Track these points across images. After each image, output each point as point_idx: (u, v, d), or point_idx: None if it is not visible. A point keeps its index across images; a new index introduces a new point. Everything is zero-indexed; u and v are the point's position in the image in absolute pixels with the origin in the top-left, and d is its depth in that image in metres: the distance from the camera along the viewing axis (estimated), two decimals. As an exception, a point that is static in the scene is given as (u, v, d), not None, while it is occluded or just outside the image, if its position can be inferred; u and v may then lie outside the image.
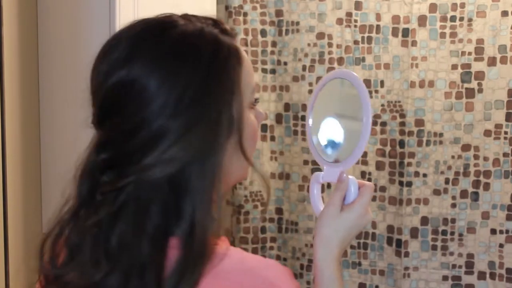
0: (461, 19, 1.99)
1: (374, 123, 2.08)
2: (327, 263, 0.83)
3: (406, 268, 2.08)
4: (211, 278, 0.67)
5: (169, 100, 0.68)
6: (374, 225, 2.11)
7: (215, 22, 0.75)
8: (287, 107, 2.13)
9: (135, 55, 0.70)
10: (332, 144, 0.96)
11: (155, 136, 0.68)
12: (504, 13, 1.96)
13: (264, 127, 2.14)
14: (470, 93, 2.01)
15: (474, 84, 2.00)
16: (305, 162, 2.11)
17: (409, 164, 2.05)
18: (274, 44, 2.12)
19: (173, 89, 0.69)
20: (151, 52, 0.70)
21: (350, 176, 0.91)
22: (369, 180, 2.10)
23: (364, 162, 2.10)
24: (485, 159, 2.01)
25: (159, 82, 0.69)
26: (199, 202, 0.68)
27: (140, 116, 0.68)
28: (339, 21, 2.08)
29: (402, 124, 2.05)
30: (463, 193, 2.04)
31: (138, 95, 0.68)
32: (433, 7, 2.00)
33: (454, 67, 2.01)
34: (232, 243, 0.90)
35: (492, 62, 1.98)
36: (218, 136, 0.70)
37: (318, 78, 2.10)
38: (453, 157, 2.03)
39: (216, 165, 0.69)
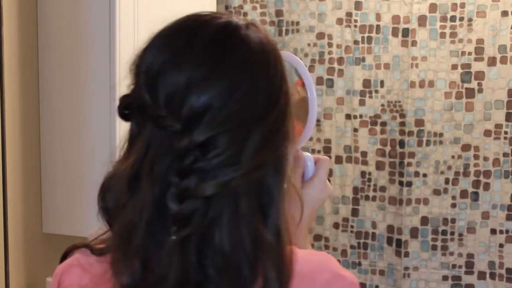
0: (461, 19, 1.99)
1: (374, 123, 2.08)
2: (296, 240, 0.84)
3: (406, 268, 2.08)
4: (297, 282, 0.68)
5: (254, 109, 0.67)
6: (374, 225, 2.11)
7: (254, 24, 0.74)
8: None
9: (220, 72, 0.67)
10: None
11: (241, 145, 0.66)
12: (504, 13, 1.96)
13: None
14: (470, 93, 2.01)
15: (474, 84, 2.00)
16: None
17: (409, 164, 2.05)
18: (274, 44, 2.12)
19: (259, 99, 0.68)
20: (236, 67, 0.67)
21: (305, 153, 0.92)
22: (369, 180, 2.10)
23: (364, 162, 2.10)
24: (485, 159, 2.01)
25: (245, 94, 0.67)
26: (281, 209, 0.69)
27: (226, 127, 0.66)
28: (339, 21, 2.08)
29: (402, 124, 2.05)
30: (463, 193, 2.04)
31: (222, 106, 0.66)
32: (433, 7, 2.00)
33: (454, 67, 2.01)
34: None
35: (492, 62, 1.98)
36: (289, 143, 0.71)
37: (318, 78, 2.10)
38: (453, 157, 2.03)
39: (287, 172, 0.71)
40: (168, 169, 0.65)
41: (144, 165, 0.67)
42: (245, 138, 0.66)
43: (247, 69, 0.68)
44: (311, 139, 2.13)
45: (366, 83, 2.08)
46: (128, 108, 0.70)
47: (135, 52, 0.72)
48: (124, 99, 0.70)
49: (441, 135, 2.04)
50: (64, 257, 0.76)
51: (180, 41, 0.69)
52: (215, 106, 0.65)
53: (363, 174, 2.11)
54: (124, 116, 0.71)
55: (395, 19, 2.04)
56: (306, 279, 0.69)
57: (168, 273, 0.65)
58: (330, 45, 2.09)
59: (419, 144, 2.05)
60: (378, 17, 2.05)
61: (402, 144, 2.06)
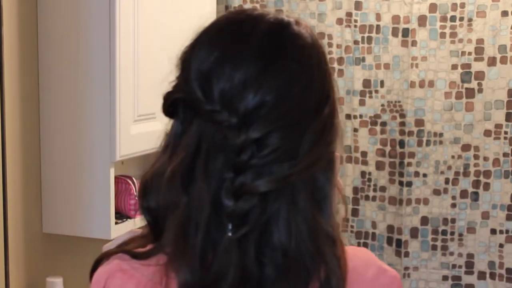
0: (461, 19, 1.99)
1: (374, 123, 2.08)
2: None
3: (406, 268, 2.08)
4: (349, 276, 0.69)
5: (309, 105, 0.68)
6: (374, 225, 2.11)
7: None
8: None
9: (275, 71, 0.67)
10: None
11: (298, 141, 0.67)
12: (504, 13, 1.96)
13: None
14: (470, 93, 2.01)
15: (474, 84, 2.00)
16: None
17: (409, 164, 2.05)
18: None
19: (314, 95, 0.69)
20: (290, 65, 0.68)
21: None
22: (369, 180, 2.10)
23: (364, 162, 2.10)
24: (485, 159, 2.01)
25: (300, 91, 0.68)
26: (333, 204, 0.70)
27: (281, 123, 0.66)
28: (339, 21, 2.08)
29: (402, 124, 2.05)
30: (463, 193, 2.04)
31: (281, 104, 0.66)
32: (433, 7, 2.00)
33: (454, 67, 2.01)
34: None
35: (492, 62, 1.98)
36: (339, 139, 0.72)
37: (318, 78, 2.10)
38: (453, 157, 2.03)
39: (336, 168, 0.72)
40: (224, 165, 0.65)
41: (197, 162, 0.66)
42: (301, 134, 0.67)
43: (301, 65, 0.69)
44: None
45: (366, 83, 2.08)
46: (174, 104, 0.69)
47: (182, 48, 0.71)
48: (170, 95, 0.69)
49: (441, 135, 2.04)
50: (96, 265, 0.73)
51: (234, 37, 0.68)
52: (271, 102, 0.66)
53: (363, 174, 2.11)
54: (169, 113, 0.70)
55: (395, 19, 2.04)
56: (356, 274, 0.70)
57: (226, 271, 0.64)
58: (330, 45, 2.09)
59: (419, 144, 2.05)
60: (378, 17, 2.05)
61: (402, 144, 2.06)
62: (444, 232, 2.06)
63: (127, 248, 0.71)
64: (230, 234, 0.64)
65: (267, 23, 0.69)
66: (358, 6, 2.06)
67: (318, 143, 0.67)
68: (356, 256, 0.73)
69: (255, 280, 0.65)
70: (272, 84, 0.66)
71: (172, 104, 0.69)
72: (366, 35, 2.06)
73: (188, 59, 0.69)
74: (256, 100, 0.65)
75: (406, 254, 2.07)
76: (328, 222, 0.69)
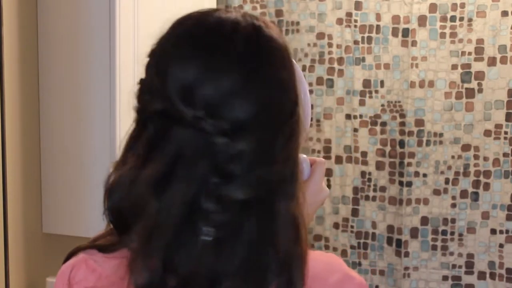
0: (461, 19, 1.99)
1: (374, 123, 2.08)
2: None
3: (406, 268, 2.08)
4: (310, 282, 0.69)
5: (287, 109, 0.70)
6: (374, 225, 2.11)
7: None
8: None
9: (255, 81, 0.68)
10: None
11: (272, 145, 0.69)
12: (504, 13, 1.96)
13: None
14: (470, 93, 2.01)
15: (474, 84, 2.00)
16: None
17: (409, 164, 2.05)
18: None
19: (288, 97, 0.70)
20: (269, 74, 0.69)
21: (301, 155, 0.91)
22: (369, 180, 2.10)
23: (364, 162, 2.10)
24: (485, 159, 2.01)
25: (277, 95, 0.69)
26: (302, 210, 0.71)
27: (266, 131, 0.68)
28: (339, 21, 2.08)
29: (402, 124, 2.05)
30: (463, 193, 2.04)
31: (255, 108, 0.68)
32: (433, 7, 2.00)
33: (454, 67, 2.01)
34: None
35: (492, 62, 1.98)
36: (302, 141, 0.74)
37: (318, 78, 2.10)
38: (453, 157, 2.03)
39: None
40: (207, 170, 0.65)
41: (177, 167, 0.66)
42: (275, 139, 0.68)
43: (280, 69, 0.70)
44: (311, 139, 2.13)
45: (366, 83, 2.08)
46: (152, 115, 0.69)
47: (154, 53, 0.71)
48: (146, 106, 0.69)
49: (441, 135, 2.04)
50: (68, 258, 0.76)
51: (212, 45, 0.68)
52: (258, 110, 0.67)
53: (363, 174, 2.11)
54: (144, 123, 0.70)
55: (395, 19, 2.04)
56: (318, 279, 0.70)
57: (197, 274, 0.64)
58: (330, 45, 2.09)
59: (419, 144, 2.05)
60: (378, 17, 2.05)
61: (402, 144, 2.06)
62: (444, 232, 2.06)
63: (96, 243, 0.73)
64: (205, 237, 0.65)
65: (242, 29, 0.69)
66: (358, 6, 2.06)
67: (288, 145, 0.69)
68: (321, 261, 0.72)
69: (222, 280, 0.65)
70: (258, 91, 0.67)
71: (148, 116, 0.69)
72: (366, 35, 2.06)
73: (163, 67, 0.69)
74: (245, 109, 0.66)
75: (406, 254, 2.07)
76: (298, 228, 0.69)
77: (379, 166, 2.09)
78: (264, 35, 0.70)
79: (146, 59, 0.73)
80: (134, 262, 0.66)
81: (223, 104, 0.66)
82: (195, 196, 0.65)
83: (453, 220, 2.05)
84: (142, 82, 0.73)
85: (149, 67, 0.72)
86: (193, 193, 0.65)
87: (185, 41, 0.69)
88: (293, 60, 0.77)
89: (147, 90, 0.70)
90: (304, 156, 0.90)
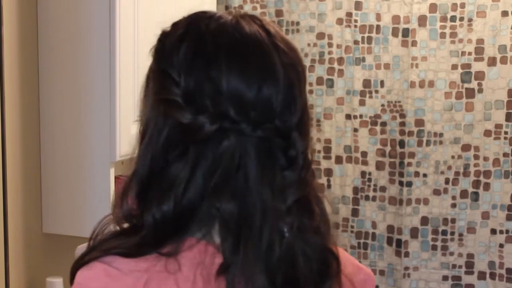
0: (461, 19, 1.99)
1: (374, 123, 2.08)
2: None
3: (406, 268, 2.08)
4: None
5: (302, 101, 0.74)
6: (374, 225, 2.11)
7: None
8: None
9: (274, 79, 0.71)
10: None
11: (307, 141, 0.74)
12: (504, 13, 1.96)
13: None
14: (470, 93, 2.01)
15: (474, 84, 2.00)
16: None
17: (409, 164, 2.05)
18: (274, 44, 2.12)
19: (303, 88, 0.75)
20: (280, 71, 0.71)
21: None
22: (369, 180, 2.10)
23: (364, 162, 2.10)
24: (485, 159, 2.01)
25: (303, 93, 0.74)
26: None
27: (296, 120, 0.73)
28: (339, 21, 2.08)
29: (402, 124, 2.05)
30: (463, 193, 2.04)
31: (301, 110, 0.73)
32: (433, 7, 2.00)
33: (454, 67, 2.01)
34: None
35: (492, 62, 1.98)
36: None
37: (318, 78, 2.10)
38: (453, 157, 2.03)
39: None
40: (274, 174, 0.70)
41: (248, 176, 0.69)
42: (308, 142, 0.75)
43: (294, 73, 0.73)
44: (311, 139, 2.12)
45: (366, 83, 2.08)
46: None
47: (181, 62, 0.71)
48: (199, 119, 0.69)
49: (441, 135, 2.04)
50: (76, 268, 0.72)
51: (256, 60, 0.71)
52: (300, 115, 0.72)
53: (363, 174, 2.11)
54: (201, 139, 0.70)
55: (395, 19, 2.04)
56: None
57: (293, 270, 0.70)
58: (330, 45, 2.09)
59: (419, 144, 2.05)
60: (378, 17, 2.05)
61: (402, 144, 2.06)
62: (444, 232, 2.06)
63: (113, 250, 0.70)
64: (287, 235, 0.69)
65: (279, 40, 0.73)
66: (358, 6, 2.06)
67: (307, 138, 0.75)
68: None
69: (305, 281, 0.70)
70: (300, 93, 0.73)
71: (207, 135, 0.69)
72: (366, 35, 2.06)
73: (218, 82, 0.69)
74: (296, 110, 0.71)
75: (406, 254, 2.07)
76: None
77: (379, 166, 2.09)
78: (293, 46, 0.75)
79: (157, 47, 0.75)
80: (252, 272, 0.68)
81: (279, 110, 0.70)
82: (271, 200, 0.70)
83: (453, 220, 2.05)
84: (172, 82, 0.71)
85: (180, 68, 0.71)
86: (266, 198, 0.69)
87: (228, 54, 0.70)
88: None
89: (190, 101, 0.70)
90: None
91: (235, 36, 0.71)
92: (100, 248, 0.71)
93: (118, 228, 0.74)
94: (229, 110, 0.68)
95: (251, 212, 0.68)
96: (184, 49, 0.71)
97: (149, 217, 0.70)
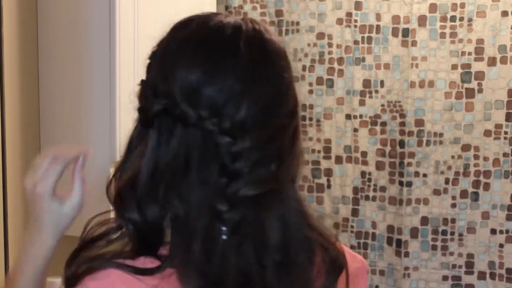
0: (461, 19, 1.99)
1: (374, 123, 2.08)
2: None
3: (406, 268, 2.08)
4: None
5: (287, 108, 0.73)
6: (374, 225, 2.11)
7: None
8: (287, 107, 2.13)
9: (256, 85, 0.70)
10: None
11: (279, 145, 0.71)
12: (504, 13, 1.96)
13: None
14: (470, 93, 2.01)
15: (474, 84, 2.00)
16: (304, 163, 2.11)
17: (409, 164, 2.05)
18: (274, 44, 2.12)
19: (291, 99, 0.74)
20: (271, 71, 0.72)
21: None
22: (369, 180, 2.10)
23: (364, 162, 2.10)
24: (485, 159, 2.01)
25: (281, 98, 0.72)
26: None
27: (268, 129, 0.71)
28: (339, 21, 2.08)
29: (402, 124, 2.05)
30: (463, 193, 2.04)
31: (268, 111, 0.71)
32: (433, 7, 2.00)
33: (454, 67, 2.01)
34: None
35: (492, 62, 1.98)
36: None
37: (318, 78, 2.10)
38: (453, 157, 2.03)
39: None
40: (217, 171, 0.68)
41: (190, 170, 0.68)
42: (282, 136, 0.71)
43: (282, 71, 0.72)
44: (311, 139, 2.13)
45: (366, 83, 2.08)
46: (154, 115, 0.70)
47: (155, 54, 0.73)
48: (150, 106, 0.71)
49: (441, 135, 2.04)
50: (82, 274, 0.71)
51: (217, 48, 0.70)
52: (261, 109, 0.69)
53: (363, 174, 2.11)
54: (148, 124, 0.71)
55: (395, 19, 2.04)
56: None
57: (226, 274, 0.67)
58: (330, 45, 2.09)
59: (419, 144, 2.05)
60: (378, 17, 2.05)
61: (402, 144, 2.06)
62: (444, 232, 2.06)
63: (129, 265, 0.69)
64: (225, 237, 0.67)
65: (244, 32, 0.71)
66: (358, 6, 2.06)
67: (296, 143, 0.73)
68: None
69: (257, 283, 0.68)
70: (259, 92, 0.69)
71: (153, 116, 0.70)
72: (366, 35, 2.06)
73: (168, 69, 0.70)
74: (247, 109, 0.68)
75: (406, 254, 2.07)
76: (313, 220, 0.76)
77: (379, 166, 2.09)
78: (265, 39, 0.72)
79: (147, 61, 0.75)
80: (183, 271, 0.67)
81: (226, 104, 0.68)
82: (212, 199, 0.67)
83: (453, 220, 2.05)
84: (144, 83, 0.74)
85: (151, 69, 0.74)
86: (210, 196, 0.67)
87: (189, 44, 0.71)
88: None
89: (151, 91, 0.72)
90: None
91: (198, 30, 0.72)
92: (100, 256, 0.71)
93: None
94: (176, 97, 0.69)
95: (188, 209, 0.68)
96: (159, 52, 0.74)
97: (130, 225, 0.70)
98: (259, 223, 0.68)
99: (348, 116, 2.10)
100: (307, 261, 0.71)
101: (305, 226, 0.73)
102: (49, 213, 0.78)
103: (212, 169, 0.67)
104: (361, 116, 2.09)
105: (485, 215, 2.03)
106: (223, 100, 0.68)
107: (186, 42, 0.71)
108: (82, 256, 0.73)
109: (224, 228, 0.67)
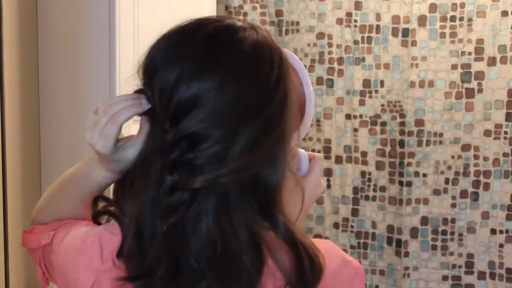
0: (461, 19, 1.99)
1: (374, 123, 2.08)
2: None
3: (406, 268, 2.08)
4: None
5: (242, 108, 0.69)
6: (374, 225, 2.11)
7: (266, 31, 0.76)
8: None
9: (210, 68, 0.69)
10: None
11: (230, 143, 0.68)
12: (504, 13, 1.96)
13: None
14: (470, 93, 2.01)
15: (474, 84, 2.00)
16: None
17: (409, 164, 2.05)
18: (274, 44, 2.12)
19: (248, 99, 0.70)
20: (225, 65, 0.70)
21: (300, 150, 0.93)
22: (369, 180, 2.10)
23: (364, 162, 2.10)
24: (485, 159, 2.01)
25: (233, 92, 0.69)
26: (281, 205, 0.71)
27: (213, 123, 0.68)
28: (339, 21, 2.08)
29: (402, 124, 2.05)
30: (463, 193, 2.04)
31: (212, 103, 0.69)
32: (433, 7, 2.00)
33: (454, 67, 2.01)
34: None
35: (492, 62, 1.98)
36: (286, 144, 0.73)
37: (318, 78, 2.10)
38: (453, 157, 2.03)
39: (285, 167, 0.73)
40: (162, 165, 0.68)
41: (138, 169, 0.71)
42: (234, 136, 0.68)
43: (236, 69, 0.69)
44: (311, 139, 2.13)
45: (366, 83, 2.08)
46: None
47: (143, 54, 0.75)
48: (134, 92, 0.75)
49: (441, 135, 2.04)
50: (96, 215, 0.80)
51: (178, 42, 0.71)
52: (201, 101, 0.68)
53: (363, 174, 2.11)
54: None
55: (395, 19, 2.04)
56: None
57: (159, 263, 0.67)
58: (330, 45, 2.09)
59: (419, 144, 2.05)
60: (378, 17, 2.05)
61: (402, 144, 2.06)
62: (444, 232, 2.06)
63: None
64: (164, 228, 0.68)
65: (211, 28, 0.71)
66: (358, 6, 2.06)
67: (252, 148, 0.69)
68: (320, 248, 0.73)
69: (188, 273, 0.67)
70: (202, 84, 0.68)
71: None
72: (366, 35, 2.06)
73: (142, 64, 0.74)
74: (186, 98, 0.68)
75: (406, 254, 2.07)
76: (280, 223, 0.70)
77: (379, 166, 2.09)
78: (231, 35, 0.71)
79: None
80: (130, 256, 0.70)
81: (172, 92, 0.69)
82: (157, 191, 0.69)
83: (453, 220, 2.05)
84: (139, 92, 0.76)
85: (140, 78, 0.76)
86: (155, 188, 0.68)
87: (160, 38, 0.73)
88: (294, 62, 0.77)
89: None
90: (303, 151, 0.92)
91: (183, 25, 0.73)
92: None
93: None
94: (155, 97, 0.71)
95: (139, 209, 0.70)
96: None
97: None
98: (194, 214, 0.68)
99: (348, 116, 2.10)
100: (252, 267, 0.68)
101: (259, 225, 0.69)
102: (111, 163, 0.79)
103: (157, 164, 0.69)
104: (361, 116, 2.09)
105: (485, 215, 2.03)
106: (169, 87, 0.69)
107: (162, 34, 0.74)
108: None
109: (166, 219, 0.68)
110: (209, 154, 0.67)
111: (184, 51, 0.70)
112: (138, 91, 0.74)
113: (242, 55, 0.70)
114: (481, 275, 2.05)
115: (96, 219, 0.81)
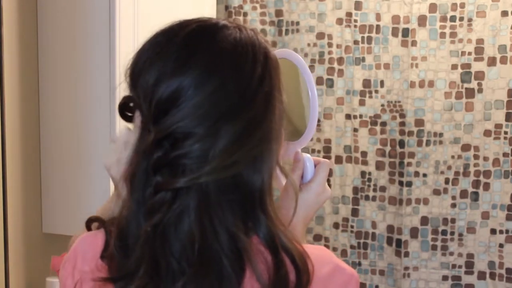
0: (461, 19, 1.99)
1: (374, 123, 2.08)
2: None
3: (406, 268, 2.08)
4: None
5: (222, 107, 0.68)
6: (374, 225, 2.11)
7: (253, 31, 0.75)
8: (287, 107, 2.13)
9: (189, 65, 0.68)
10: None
11: (210, 142, 0.67)
12: (504, 13, 1.96)
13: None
14: (470, 93, 2.01)
15: (474, 84, 2.00)
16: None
17: (409, 164, 2.05)
18: (274, 44, 2.12)
19: (228, 97, 0.69)
20: (205, 62, 0.69)
21: (305, 154, 0.91)
22: (369, 180, 2.10)
23: (364, 162, 2.10)
24: (485, 159, 2.01)
25: (213, 90, 0.68)
26: (268, 207, 0.70)
27: (193, 121, 0.68)
28: (339, 21, 2.08)
29: (402, 124, 2.05)
30: (463, 193, 2.04)
31: (191, 101, 0.68)
32: (433, 7, 2.00)
33: (454, 67, 2.01)
34: None
35: (492, 62, 1.98)
36: (270, 143, 0.71)
37: (318, 78, 2.10)
38: (453, 157, 2.03)
39: (271, 168, 0.71)
40: (147, 166, 0.68)
41: (128, 171, 0.71)
42: (215, 134, 0.67)
43: (214, 66, 0.69)
44: (311, 139, 2.12)
45: (366, 83, 2.08)
46: (126, 109, 0.74)
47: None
48: (122, 100, 0.74)
49: (441, 135, 2.04)
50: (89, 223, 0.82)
51: (160, 42, 0.71)
52: (180, 99, 0.67)
53: (363, 174, 2.11)
54: (125, 118, 0.74)
55: (395, 19, 2.04)
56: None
57: (140, 264, 0.67)
58: (330, 45, 2.09)
59: (419, 144, 2.05)
60: (378, 17, 2.05)
61: (402, 144, 2.06)
62: (444, 232, 2.06)
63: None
64: (148, 229, 0.67)
65: (192, 28, 0.71)
66: (358, 6, 2.06)
67: (233, 147, 0.67)
68: (310, 253, 0.71)
69: (167, 274, 0.67)
70: (180, 82, 0.67)
71: (123, 109, 0.75)
72: (366, 35, 2.06)
73: (136, 79, 0.72)
74: (166, 96, 0.67)
75: (406, 254, 2.07)
76: (263, 227, 0.69)
77: (379, 166, 2.09)
78: (211, 34, 0.71)
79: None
80: (113, 258, 0.70)
81: (153, 91, 0.68)
82: (143, 192, 0.69)
83: (453, 220, 2.05)
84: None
85: (127, 82, 0.75)
86: (142, 190, 0.69)
87: (146, 40, 0.73)
88: (298, 62, 0.77)
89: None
90: (308, 156, 0.90)
91: (160, 30, 0.73)
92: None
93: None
94: (141, 99, 0.70)
95: (125, 212, 0.71)
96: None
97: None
98: (175, 215, 0.67)
99: (348, 116, 2.10)
100: (232, 270, 0.66)
101: (239, 228, 0.68)
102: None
103: (144, 163, 0.69)
104: (361, 116, 2.09)
105: (485, 215, 2.03)
106: (151, 86, 0.68)
107: (146, 48, 0.73)
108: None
109: (149, 229, 0.67)
110: (191, 153, 0.67)
111: (165, 50, 0.70)
112: (125, 98, 0.73)
113: (222, 52, 0.69)
114: (481, 275, 2.05)
115: (88, 226, 0.83)
